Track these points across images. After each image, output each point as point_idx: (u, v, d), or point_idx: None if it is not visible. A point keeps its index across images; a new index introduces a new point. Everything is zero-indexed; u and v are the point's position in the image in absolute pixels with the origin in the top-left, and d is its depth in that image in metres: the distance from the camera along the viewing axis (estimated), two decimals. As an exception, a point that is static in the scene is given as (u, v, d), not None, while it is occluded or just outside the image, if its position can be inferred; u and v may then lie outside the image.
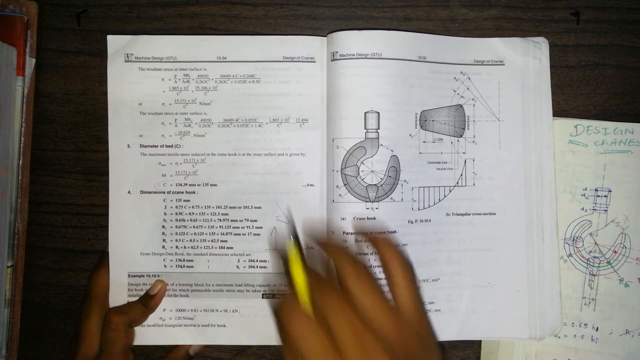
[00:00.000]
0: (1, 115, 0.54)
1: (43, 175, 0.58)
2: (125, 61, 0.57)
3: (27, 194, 0.57)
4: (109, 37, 0.57)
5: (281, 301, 0.43)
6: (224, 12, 0.58)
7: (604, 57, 0.59)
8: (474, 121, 0.58)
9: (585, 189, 0.58)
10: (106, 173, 0.58)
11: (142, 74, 0.57)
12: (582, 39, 0.59)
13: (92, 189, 0.58)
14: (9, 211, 0.56)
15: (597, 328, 0.57)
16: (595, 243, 0.58)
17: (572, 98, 0.59)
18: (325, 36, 0.57)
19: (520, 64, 0.58)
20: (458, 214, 0.58)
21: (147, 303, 0.55)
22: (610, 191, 0.58)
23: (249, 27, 0.58)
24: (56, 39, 0.58)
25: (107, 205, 0.58)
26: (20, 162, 0.57)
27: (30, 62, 0.57)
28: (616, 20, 0.59)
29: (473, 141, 0.58)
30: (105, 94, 0.58)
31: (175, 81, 0.57)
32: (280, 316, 0.42)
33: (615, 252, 0.58)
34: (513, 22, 0.59)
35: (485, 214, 0.58)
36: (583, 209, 0.58)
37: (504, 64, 0.58)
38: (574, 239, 0.58)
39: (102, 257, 0.58)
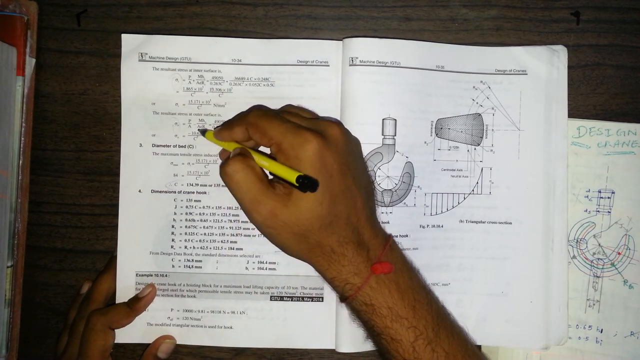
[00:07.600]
0: (1, 115, 0.54)
1: (43, 175, 0.58)
2: (140, 60, 0.57)
3: (27, 194, 0.57)
4: (124, 36, 0.57)
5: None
6: (224, 12, 0.59)
7: (604, 57, 0.59)
8: (492, 130, 0.58)
9: (589, 191, 0.58)
10: (106, 173, 0.58)
11: (156, 73, 0.57)
12: (582, 39, 0.59)
13: (92, 189, 0.58)
14: (9, 211, 0.56)
15: (602, 330, 0.57)
16: (599, 245, 0.57)
17: (572, 98, 0.58)
18: (341, 40, 0.57)
19: (544, 73, 0.58)
20: (472, 222, 0.57)
21: (133, 305, 0.55)
22: (614, 193, 0.57)
23: (249, 27, 0.59)
24: (56, 39, 0.58)
25: (107, 205, 0.58)
26: (20, 162, 0.57)
27: (30, 62, 0.57)
28: (616, 20, 0.59)
29: (491, 150, 0.58)
30: (106, 93, 0.58)
31: (190, 82, 0.57)
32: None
33: (619, 253, 0.57)
34: (513, 22, 0.59)
35: (501, 223, 0.57)
36: (586, 210, 0.58)
37: (526, 73, 0.58)
38: (577, 240, 0.57)
39: (109, 262, 0.58)
